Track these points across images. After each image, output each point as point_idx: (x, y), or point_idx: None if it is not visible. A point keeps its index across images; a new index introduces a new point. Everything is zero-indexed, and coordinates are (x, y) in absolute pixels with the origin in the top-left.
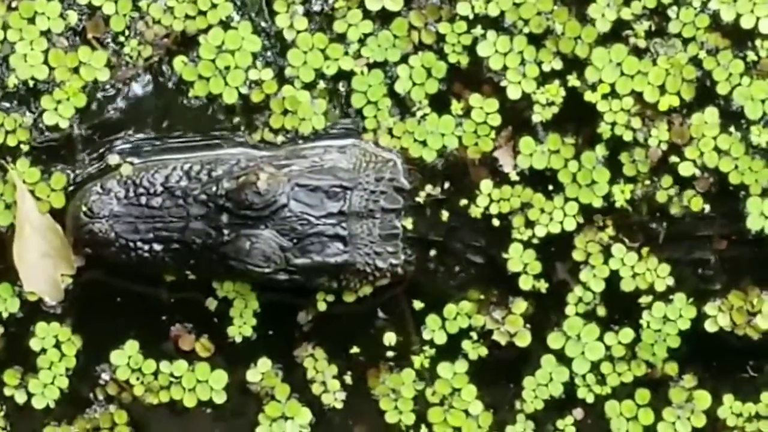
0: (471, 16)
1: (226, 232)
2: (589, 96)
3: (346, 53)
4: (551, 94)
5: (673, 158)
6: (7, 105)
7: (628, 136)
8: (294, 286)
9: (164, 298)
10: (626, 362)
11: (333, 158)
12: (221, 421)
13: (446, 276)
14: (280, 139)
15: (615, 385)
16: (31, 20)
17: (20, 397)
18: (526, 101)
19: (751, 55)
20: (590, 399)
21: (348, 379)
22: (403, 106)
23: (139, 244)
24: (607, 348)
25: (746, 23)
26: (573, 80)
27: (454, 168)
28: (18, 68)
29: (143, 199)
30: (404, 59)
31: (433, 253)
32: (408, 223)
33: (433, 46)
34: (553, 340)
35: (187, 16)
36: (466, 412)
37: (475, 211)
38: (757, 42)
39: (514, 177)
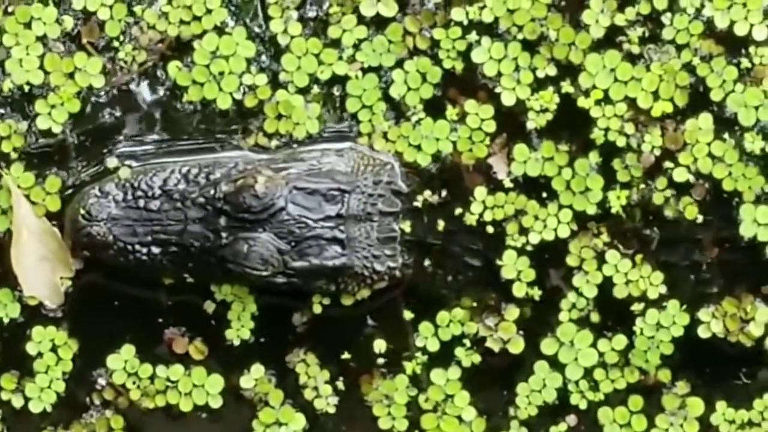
0: (465, 22)
1: (224, 235)
2: (582, 102)
3: (340, 58)
4: (545, 101)
5: (668, 164)
6: (2, 111)
7: (621, 142)
8: (292, 289)
9: (162, 301)
10: (619, 369)
11: (331, 161)
12: (217, 426)
13: (443, 279)
14: (274, 143)
15: (608, 391)
16: (28, 25)
17: (17, 402)
18: (520, 107)
19: (745, 62)
20: (583, 405)
21: (341, 384)
22: (398, 110)
23: (137, 247)
24: (601, 354)
25: (740, 30)
26: (567, 86)
27: (450, 173)
28: (14, 73)
29: (141, 202)
30: (399, 64)
31: (430, 256)
32: (406, 226)
33: (427, 51)
34: (547, 347)
35: (181, 22)
36: (459, 418)
37: (470, 218)
38: (751, 49)
39: (508, 184)
